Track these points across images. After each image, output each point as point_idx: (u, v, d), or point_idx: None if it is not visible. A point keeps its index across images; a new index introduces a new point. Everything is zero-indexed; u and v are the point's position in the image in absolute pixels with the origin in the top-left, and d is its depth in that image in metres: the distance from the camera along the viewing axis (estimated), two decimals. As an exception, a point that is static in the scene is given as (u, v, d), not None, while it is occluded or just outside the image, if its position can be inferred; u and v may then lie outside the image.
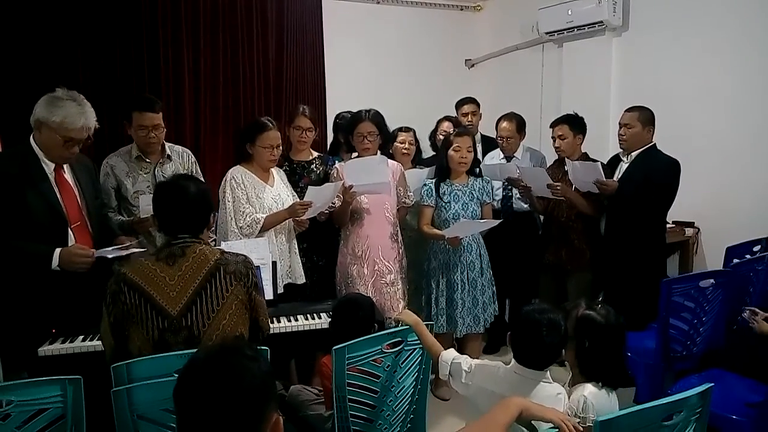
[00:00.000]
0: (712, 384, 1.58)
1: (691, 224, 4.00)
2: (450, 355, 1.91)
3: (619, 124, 3.31)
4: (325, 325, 2.56)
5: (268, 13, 4.69)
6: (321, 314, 2.64)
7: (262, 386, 1.10)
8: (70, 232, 2.41)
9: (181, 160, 3.06)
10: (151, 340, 1.80)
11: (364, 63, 5.15)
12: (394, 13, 5.36)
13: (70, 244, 2.38)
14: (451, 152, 3.20)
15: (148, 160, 2.96)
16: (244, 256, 1.97)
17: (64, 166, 2.46)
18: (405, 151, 3.55)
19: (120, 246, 2.48)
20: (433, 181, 3.26)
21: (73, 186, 2.49)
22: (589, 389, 1.73)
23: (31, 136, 2.38)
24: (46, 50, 3.93)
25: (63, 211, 2.39)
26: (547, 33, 4.76)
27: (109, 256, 2.37)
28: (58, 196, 2.40)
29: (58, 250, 2.29)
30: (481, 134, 4.19)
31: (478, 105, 4.24)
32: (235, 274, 1.88)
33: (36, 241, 2.31)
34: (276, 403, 1.16)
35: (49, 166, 2.39)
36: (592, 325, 1.79)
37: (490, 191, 3.32)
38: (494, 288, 3.32)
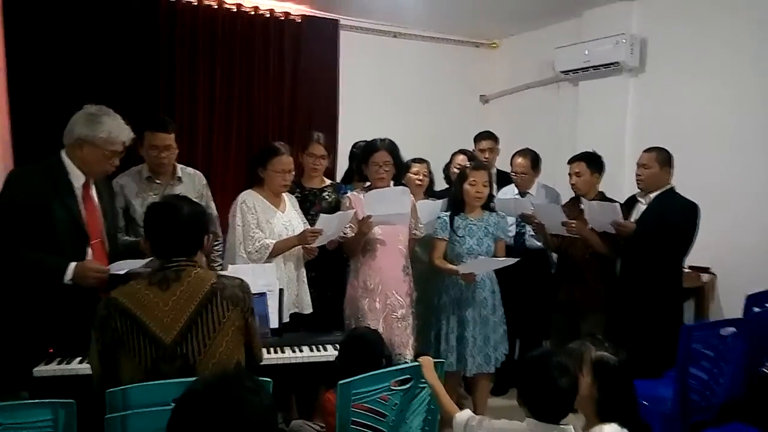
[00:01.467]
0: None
1: (706, 269, 3.91)
2: (465, 416, 1.82)
3: (637, 164, 3.27)
4: (331, 358, 2.47)
5: (285, 42, 4.72)
6: (327, 346, 2.55)
7: (263, 421, 1.03)
8: (89, 248, 2.41)
9: (192, 182, 3.04)
10: (143, 370, 1.69)
11: (378, 94, 5.16)
12: (410, 47, 5.39)
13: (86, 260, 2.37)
14: (466, 186, 3.14)
15: (158, 181, 2.94)
16: (241, 279, 1.89)
17: (91, 184, 2.48)
18: (419, 182, 3.51)
19: (134, 261, 2.42)
20: (448, 214, 3.20)
21: (96, 204, 2.51)
22: (614, 428, 1.67)
23: (63, 152, 2.40)
24: (64, 68, 3.96)
25: (85, 227, 2.40)
26: (563, 72, 4.76)
27: (122, 272, 2.34)
28: (83, 211, 2.41)
29: (73, 264, 2.28)
30: (498, 169, 4.15)
31: (496, 140, 4.20)
32: (231, 298, 1.80)
33: (54, 253, 2.30)
34: (277, 439, 1.09)
35: (78, 181, 2.40)
36: (607, 368, 1.73)
37: (505, 227, 3.26)
38: (505, 326, 3.23)
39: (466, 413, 1.84)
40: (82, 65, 4.02)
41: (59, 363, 2.25)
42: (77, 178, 2.40)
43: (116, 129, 2.38)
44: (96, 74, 4.07)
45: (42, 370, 2.20)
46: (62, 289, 2.28)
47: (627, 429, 1.69)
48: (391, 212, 2.84)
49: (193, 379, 1.49)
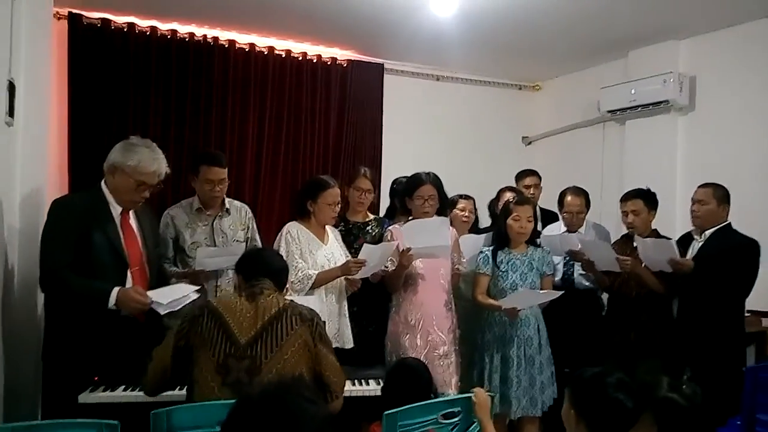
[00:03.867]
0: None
1: (767, 314, 3.70)
2: None
3: (693, 200, 3.17)
4: (374, 393, 2.41)
5: (331, 85, 4.87)
6: (369, 381, 2.50)
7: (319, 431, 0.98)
8: (129, 275, 2.45)
9: (238, 214, 3.10)
10: (215, 363, 1.88)
11: (421, 136, 5.22)
12: (452, 90, 5.46)
13: (128, 287, 2.39)
14: (510, 221, 3.09)
15: (207, 212, 3.00)
16: (310, 307, 2.10)
17: (130, 212, 2.53)
18: (465, 219, 3.48)
19: (176, 298, 2.42)
20: (490, 249, 3.14)
21: (136, 231, 2.56)
22: None
23: (103, 181, 2.48)
24: (123, 106, 4.17)
25: (125, 254, 2.45)
26: (609, 111, 4.72)
27: (162, 312, 2.35)
28: (122, 238, 2.46)
29: (116, 289, 2.31)
30: (540, 207, 4.08)
31: (539, 177, 4.17)
32: (300, 315, 2.00)
33: (95, 280, 2.34)
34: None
35: (116, 210, 2.47)
36: (675, 409, 1.60)
37: (551, 262, 3.17)
38: (553, 368, 3.09)
39: None
40: (140, 102, 4.23)
41: (104, 390, 2.27)
42: (116, 206, 2.46)
43: (147, 159, 2.42)
44: (152, 112, 4.27)
45: (87, 397, 2.23)
46: (107, 317, 2.31)
47: None
48: (430, 244, 2.79)
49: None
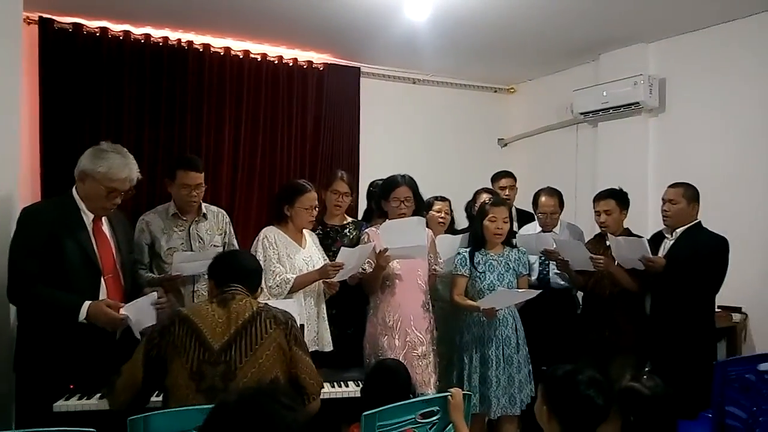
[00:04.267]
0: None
1: (738, 309, 3.80)
2: None
3: (663, 199, 3.23)
4: (352, 395, 2.42)
5: (308, 88, 4.86)
6: (348, 383, 2.51)
7: None
8: (102, 282, 2.41)
9: (215, 219, 3.08)
10: (188, 370, 1.86)
11: (398, 139, 5.25)
12: (429, 93, 5.50)
13: (101, 295, 2.37)
14: (486, 222, 3.12)
15: (184, 218, 2.98)
16: (283, 309, 2.07)
17: (103, 218, 2.49)
18: (441, 221, 3.50)
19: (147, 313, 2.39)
20: (467, 250, 3.17)
21: (109, 238, 2.52)
22: None
23: (74, 188, 2.43)
24: (95, 110, 4.12)
25: (98, 261, 2.41)
26: (582, 113, 4.80)
27: (137, 332, 2.31)
28: (95, 246, 2.42)
29: (86, 304, 2.26)
30: (516, 208, 4.14)
31: (514, 179, 4.22)
32: (274, 318, 1.98)
33: (68, 289, 2.30)
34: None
35: (88, 217, 2.43)
36: (637, 398, 1.65)
37: (527, 263, 3.21)
38: (530, 366, 3.13)
39: None
40: (113, 107, 4.18)
41: (80, 398, 2.24)
42: (87, 213, 2.42)
43: (117, 166, 2.37)
44: (126, 116, 4.22)
45: (62, 405, 2.19)
46: (81, 325, 2.26)
47: None
48: (407, 244, 2.81)
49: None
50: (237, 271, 2.09)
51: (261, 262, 2.79)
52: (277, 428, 0.98)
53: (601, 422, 1.59)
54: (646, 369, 1.77)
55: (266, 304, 2.07)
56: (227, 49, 4.56)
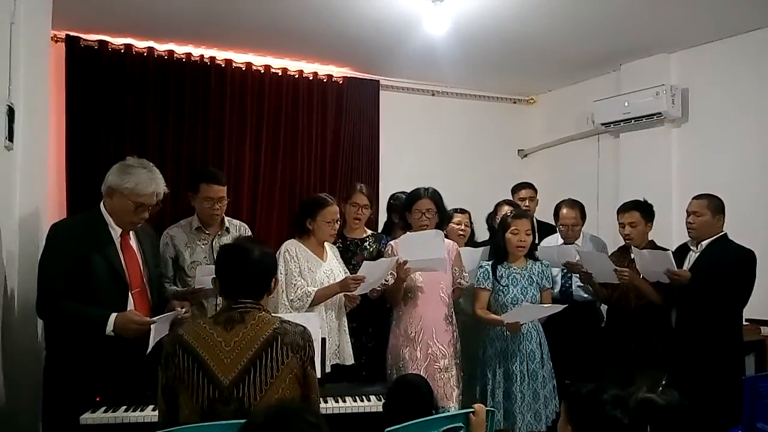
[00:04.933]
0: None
1: (766, 323, 3.71)
2: None
3: (688, 211, 3.19)
4: (375, 409, 2.40)
5: (328, 102, 4.90)
6: (371, 397, 2.49)
7: None
8: (130, 296, 2.43)
9: (237, 233, 3.11)
10: (200, 410, 1.70)
11: (418, 150, 5.25)
12: (448, 105, 5.50)
13: (128, 309, 2.39)
14: (509, 235, 3.10)
15: (207, 231, 3.02)
16: (303, 327, 1.86)
17: (130, 233, 2.52)
18: (461, 233, 3.49)
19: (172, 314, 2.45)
20: (490, 263, 3.15)
21: (137, 252, 2.55)
22: None
23: (101, 203, 2.47)
24: (120, 125, 4.21)
25: (125, 276, 2.44)
26: (603, 124, 4.76)
27: (152, 342, 2.31)
28: (122, 260, 2.44)
29: (113, 315, 2.28)
30: (537, 220, 4.10)
31: (535, 190, 4.20)
32: (291, 345, 1.77)
33: (96, 303, 2.33)
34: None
35: (115, 231, 2.45)
36: (653, 410, 1.62)
37: (550, 276, 3.18)
38: (555, 381, 3.09)
39: None
40: (138, 123, 4.26)
41: (105, 411, 2.24)
42: (115, 228, 2.44)
43: (144, 181, 2.38)
44: (150, 132, 4.30)
45: (88, 417, 2.20)
46: (108, 337, 2.29)
47: None
48: (426, 257, 2.81)
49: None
50: (244, 278, 1.81)
51: (282, 276, 2.83)
52: None
53: None
54: (663, 382, 1.74)
55: (285, 321, 1.85)
56: (248, 64, 4.62)
